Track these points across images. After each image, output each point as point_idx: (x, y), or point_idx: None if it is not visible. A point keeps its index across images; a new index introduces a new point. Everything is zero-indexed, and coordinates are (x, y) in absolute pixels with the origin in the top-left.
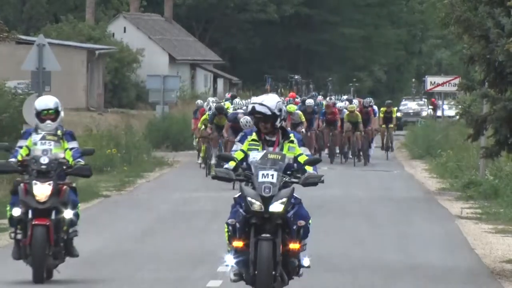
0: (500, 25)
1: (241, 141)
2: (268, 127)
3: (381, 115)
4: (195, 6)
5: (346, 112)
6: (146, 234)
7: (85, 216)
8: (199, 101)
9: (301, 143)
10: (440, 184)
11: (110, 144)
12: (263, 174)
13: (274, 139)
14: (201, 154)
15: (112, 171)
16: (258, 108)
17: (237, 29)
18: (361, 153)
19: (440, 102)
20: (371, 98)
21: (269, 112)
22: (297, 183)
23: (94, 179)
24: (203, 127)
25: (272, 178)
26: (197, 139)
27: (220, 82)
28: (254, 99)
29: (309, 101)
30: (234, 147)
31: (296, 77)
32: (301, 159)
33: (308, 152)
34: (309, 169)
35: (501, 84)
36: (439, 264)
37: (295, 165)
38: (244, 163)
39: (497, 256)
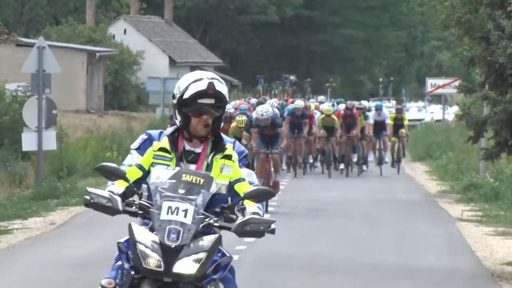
0: (500, 27)
1: (141, 149)
2: (211, 125)
3: (391, 122)
4: (195, 8)
5: (321, 115)
6: None
7: (85, 218)
8: None
9: (245, 161)
10: (440, 186)
11: (113, 146)
12: (170, 208)
13: (199, 150)
14: None
15: None
16: (219, 86)
17: (238, 31)
18: (337, 161)
19: (407, 104)
20: (352, 101)
21: (227, 97)
22: (228, 229)
23: (94, 181)
24: None
25: (185, 215)
26: None
27: None
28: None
29: (299, 103)
30: (127, 159)
31: (291, 77)
32: (240, 188)
33: (254, 179)
34: (251, 205)
35: (501, 86)
36: (440, 267)
37: (230, 198)
38: (143, 187)
39: (497, 258)
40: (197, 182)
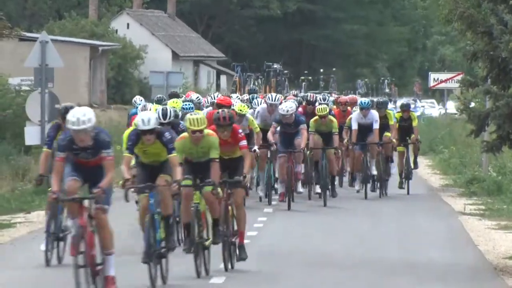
0: (503, 22)
1: None
2: None
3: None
4: (198, 3)
5: (314, 117)
6: None
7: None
8: (137, 100)
9: None
10: (443, 180)
11: (115, 140)
12: None
13: None
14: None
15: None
16: None
17: (240, 25)
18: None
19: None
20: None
21: None
22: None
23: None
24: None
25: None
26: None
27: (223, 78)
28: None
29: (286, 106)
30: None
31: (275, 66)
32: None
33: None
34: None
35: (504, 80)
36: (442, 261)
37: None
38: None
39: (500, 252)
40: None
